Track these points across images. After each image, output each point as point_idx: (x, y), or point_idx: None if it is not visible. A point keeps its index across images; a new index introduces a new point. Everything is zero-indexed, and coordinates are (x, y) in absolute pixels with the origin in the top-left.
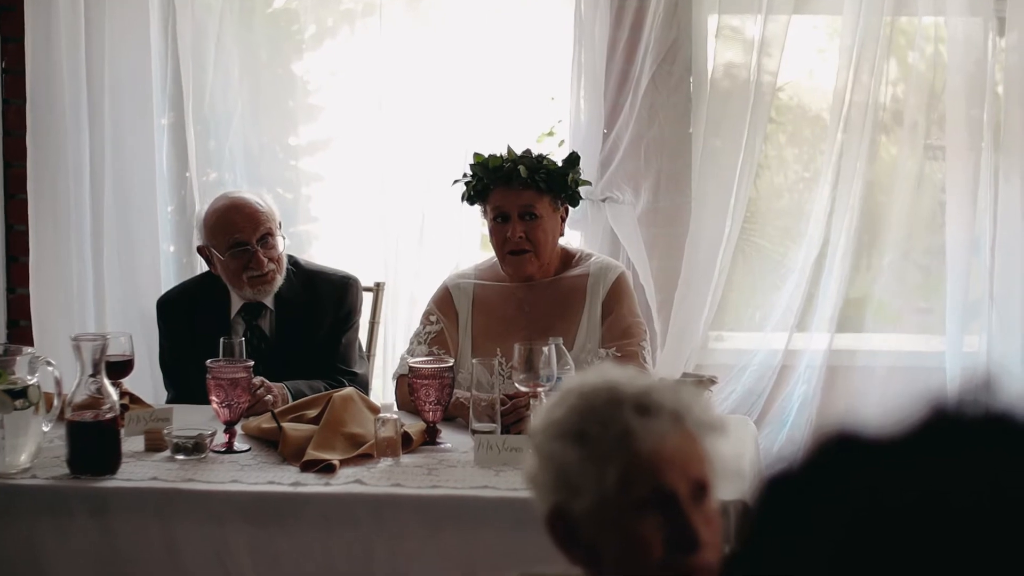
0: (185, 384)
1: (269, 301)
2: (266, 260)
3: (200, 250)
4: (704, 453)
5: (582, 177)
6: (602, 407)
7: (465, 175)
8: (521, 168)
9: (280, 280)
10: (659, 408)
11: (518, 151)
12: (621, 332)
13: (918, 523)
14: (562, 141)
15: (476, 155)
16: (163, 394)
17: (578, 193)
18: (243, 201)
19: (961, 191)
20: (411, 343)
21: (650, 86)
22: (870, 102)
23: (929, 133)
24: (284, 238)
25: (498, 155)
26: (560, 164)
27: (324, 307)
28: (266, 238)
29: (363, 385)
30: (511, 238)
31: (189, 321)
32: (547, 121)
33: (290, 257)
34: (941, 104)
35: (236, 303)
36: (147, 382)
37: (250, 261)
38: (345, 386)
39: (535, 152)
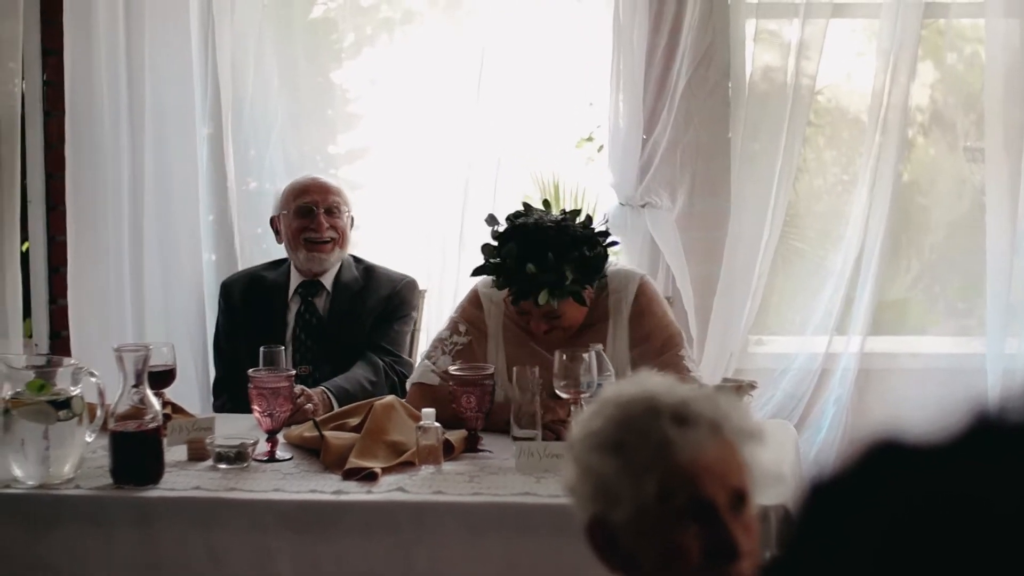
0: (233, 364)
1: (327, 282)
2: (327, 226)
3: (272, 221)
4: (743, 461)
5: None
6: (640, 418)
7: (487, 261)
8: (542, 295)
9: (338, 255)
10: (697, 418)
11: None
12: (660, 346)
13: (960, 531)
14: (601, 147)
15: (487, 256)
16: (208, 404)
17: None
18: (322, 178)
19: (1001, 192)
20: (434, 347)
21: (687, 90)
22: (908, 104)
23: (968, 135)
24: (353, 219)
25: (513, 255)
26: (587, 237)
27: (380, 295)
28: (333, 209)
29: (407, 372)
30: (535, 330)
31: (247, 300)
32: (586, 127)
33: (354, 256)
34: (980, 105)
35: (295, 280)
36: (193, 390)
37: (312, 222)
38: (386, 368)
39: (561, 214)
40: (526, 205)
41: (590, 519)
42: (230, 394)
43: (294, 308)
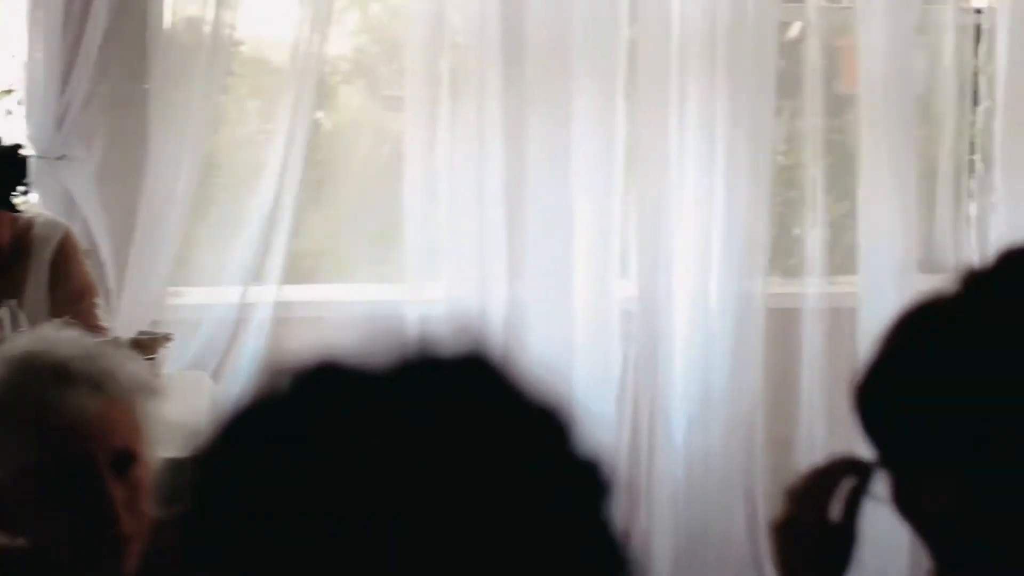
0: None
1: None
2: None
3: None
4: (133, 419)
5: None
6: (21, 377)
7: None
8: None
9: None
10: (79, 376)
11: None
12: (77, 294)
13: (398, 463)
14: (20, 100)
15: None
16: None
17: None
18: None
19: (418, 140)
20: None
21: (104, 41)
22: (331, 54)
23: (389, 84)
24: None
25: None
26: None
27: None
28: None
29: None
30: None
31: None
32: (8, 79)
33: None
34: (402, 55)
35: None
36: None
37: None
38: None
39: None
40: None
41: None
42: None
43: None
